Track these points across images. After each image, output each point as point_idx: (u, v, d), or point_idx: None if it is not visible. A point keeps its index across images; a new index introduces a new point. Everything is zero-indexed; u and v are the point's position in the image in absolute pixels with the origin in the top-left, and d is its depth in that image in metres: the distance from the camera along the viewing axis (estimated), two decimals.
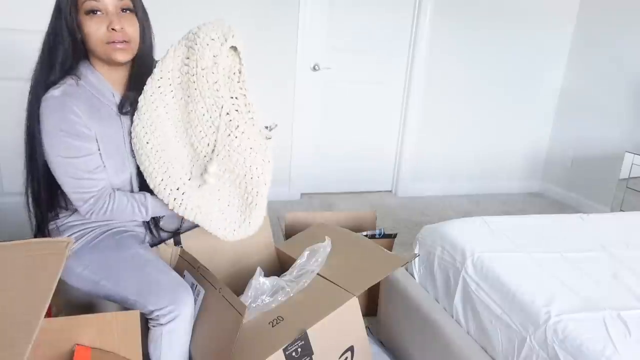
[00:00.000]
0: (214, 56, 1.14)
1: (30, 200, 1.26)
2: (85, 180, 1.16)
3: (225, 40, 1.14)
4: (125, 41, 1.14)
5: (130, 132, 1.22)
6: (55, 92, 1.12)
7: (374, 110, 3.49)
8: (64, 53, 1.14)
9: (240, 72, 1.19)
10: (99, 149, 1.18)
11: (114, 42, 1.13)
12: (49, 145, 1.12)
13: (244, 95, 1.20)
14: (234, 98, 1.19)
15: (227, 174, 1.24)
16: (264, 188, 1.25)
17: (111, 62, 1.17)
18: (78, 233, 1.27)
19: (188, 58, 1.16)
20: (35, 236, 1.29)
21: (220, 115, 1.16)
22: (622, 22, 3.24)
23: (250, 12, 2.94)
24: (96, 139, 1.17)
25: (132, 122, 1.22)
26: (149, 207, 1.25)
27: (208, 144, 1.19)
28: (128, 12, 1.15)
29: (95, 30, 1.11)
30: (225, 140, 1.18)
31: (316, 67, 3.22)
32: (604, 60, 3.38)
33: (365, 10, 3.22)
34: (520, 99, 3.69)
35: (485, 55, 3.49)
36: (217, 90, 1.15)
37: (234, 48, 1.17)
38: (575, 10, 3.56)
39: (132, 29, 1.15)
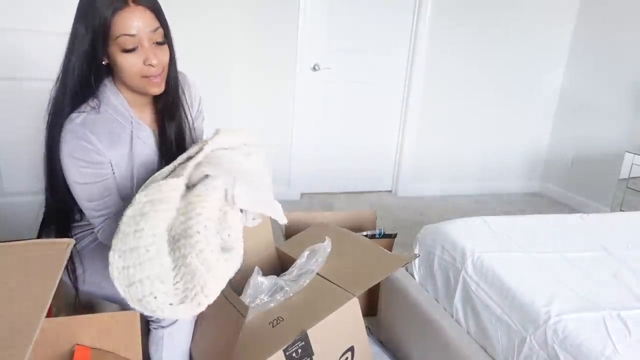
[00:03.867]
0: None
1: (48, 213, 1.25)
2: (97, 202, 1.16)
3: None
4: (160, 73, 1.14)
5: (139, 152, 1.22)
6: (77, 120, 1.10)
7: (374, 110, 3.49)
8: (86, 77, 1.11)
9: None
10: (113, 173, 1.18)
11: (150, 76, 1.11)
12: (65, 170, 1.12)
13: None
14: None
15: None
16: None
17: (144, 93, 1.17)
18: (80, 234, 1.27)
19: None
20: (39, 234, 1.29)
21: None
22: (622, 22, 3.24)
23: (251, 13, 2.94)
24: (111, 164, 1.16)
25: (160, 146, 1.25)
26: None
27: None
28: (161, 43, 1.13)
29: (131, 65, 1.09)
30: None
31: (316, 67, 3.22)
32: (604, 60, 3.38)
33: (365, 10, 3.22)
34: (520, 99, 3.69)
35: (485, 55, 3.49)
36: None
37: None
38: (575, 10, 3.56)
39: (165, 59, 1.14)
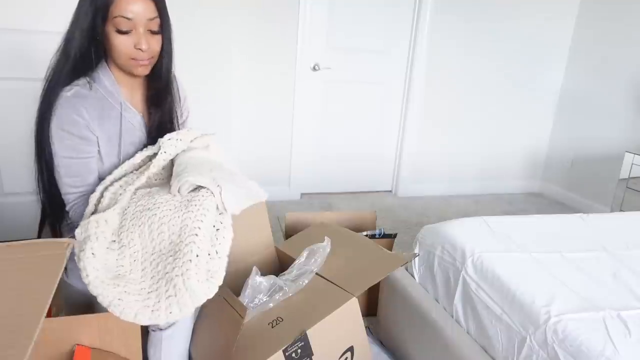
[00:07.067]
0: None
1: (42, 196, 1.27)
2: (75, 178, 1.18)
3: None
4: (148, 58, 1.17)
5: (127, 131, 1.24)
6: (67, 93, 1.13)
7: (374, 110, 3.49)
8: (83, 56, 1.15)
9: None
10: (99, 151, 1.20)
11: (138, 59, 1.15)
12: (52, 142, 1.15)
13: None
14: None
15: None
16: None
17: (131, 74, 1.20)
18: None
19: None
20: (39, 234, 1.29)
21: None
22: (623, 22, 3.24)
23: (251, 12, 2.94)
24: (98, 143, 1.19)
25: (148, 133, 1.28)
26: None
27: None
28: (155, 32, 1.16)
29: (122, 45, 1.13)
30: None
31: (316, 67, 3.22)
32: (604, 60, 3.38)
33: (365, 10, 3.22)
34: (521, 99, 3.69)
35: (485, 56, 3.49)
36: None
37: None
38: (575, 10, 3.56)
39: (157, 47, 1.18)
